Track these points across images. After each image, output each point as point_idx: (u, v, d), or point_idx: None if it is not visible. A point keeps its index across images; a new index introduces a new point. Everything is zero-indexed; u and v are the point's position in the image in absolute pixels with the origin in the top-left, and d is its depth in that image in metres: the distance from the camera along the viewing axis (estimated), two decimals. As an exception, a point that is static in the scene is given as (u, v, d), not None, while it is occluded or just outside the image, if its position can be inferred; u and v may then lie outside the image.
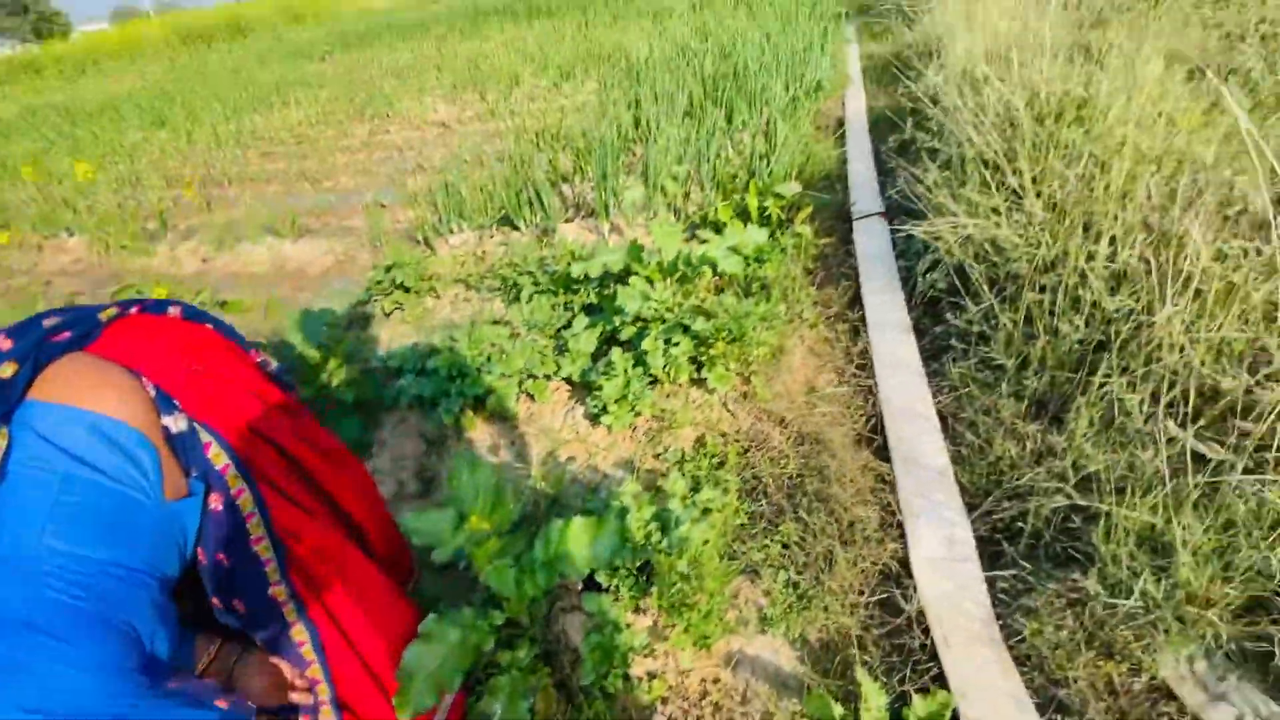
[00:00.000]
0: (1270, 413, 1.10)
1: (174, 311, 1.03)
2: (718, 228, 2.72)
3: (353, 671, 1.04)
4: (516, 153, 4.24)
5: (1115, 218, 1.53)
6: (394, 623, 1.11)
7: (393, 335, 2.67)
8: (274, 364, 1.16)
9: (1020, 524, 1.25)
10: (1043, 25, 2.68)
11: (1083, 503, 1.18)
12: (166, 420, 0.89)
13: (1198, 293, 1.28)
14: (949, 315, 1.75)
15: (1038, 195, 1.71)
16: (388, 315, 2.79)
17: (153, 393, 0.89)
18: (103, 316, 0.91)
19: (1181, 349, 1.25)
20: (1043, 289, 1.57)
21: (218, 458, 0.92)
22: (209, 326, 1.06)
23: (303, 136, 6.74)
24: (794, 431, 1.71)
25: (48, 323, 0.83)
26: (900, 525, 1.36)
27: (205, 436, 0.93)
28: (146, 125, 8.48)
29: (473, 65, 8.08)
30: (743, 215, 2.74)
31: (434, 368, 1.92)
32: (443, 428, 1.94)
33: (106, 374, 0.86)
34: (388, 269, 2.81)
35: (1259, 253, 1.29)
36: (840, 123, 3.64)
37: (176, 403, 0.91)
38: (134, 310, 0.98)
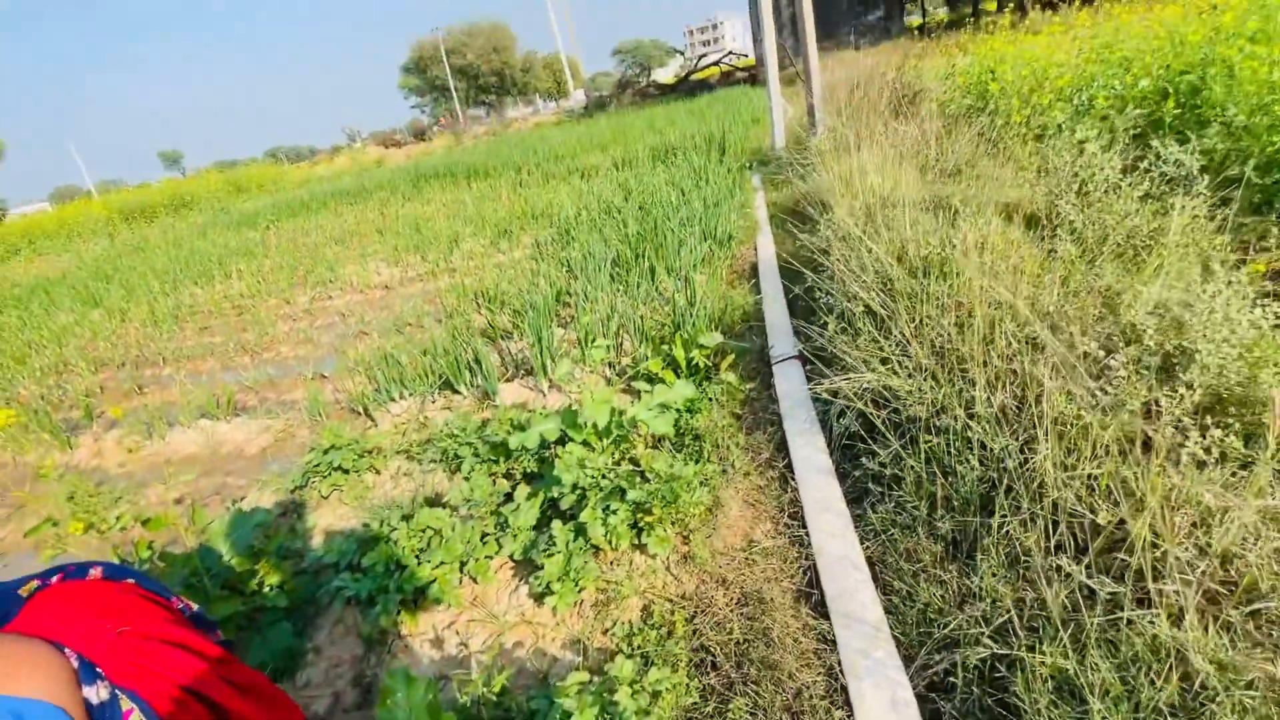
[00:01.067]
0: (1141, 544, 1.22)
1: (95, 573, 1.02)
2: (650, 379, 2.88)
3: None
4: (457, 316, 4.43)
5: (984, 363, 1.74)
6: None
7: (332, 519, 2.60)
8: (194, 607, 1.14)
9: (952, 678, 1.29)
10: (905, 183, 3.13)
11: (1001, 650, 1.24)
12: (88, 692, 0.86)
13: (1061, 433, 1.45)
14: (864, 459, 1.88)
15: (920, 344, 1.93)
16: (325, 498, 2.74)
17: (75, 664, 0.87)
18: (23, 592, 0.90)
19: (1059, 486, 1.39)
20: (937, 431, 1.72)
21: None
22: (130, 583, 1.06)
23: (243, 307, 6.83)
24: (736, 592, 1.73)
25: None
26: (845, 690, 1.37)
27: (127, 704, 0.89)
28: (79, 306, 8.42)
29: (414, 228, 8.56)
30: (672, 365, 2.92)
31: (370, 564, 1.88)
32: (381, 627, 1.86)
33: (26, 652, 0.84)
34: (325, 451, 2.80)
35: (1104, 392, 1.49)
36: (754, 268, 4.01)
37: (99, 671, 0.89)
38: (55, 579, 0.97)
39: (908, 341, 1.95)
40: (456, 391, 3.41)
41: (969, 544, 1.54)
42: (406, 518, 2.05)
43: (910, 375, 1.86)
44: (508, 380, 3.38)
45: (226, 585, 1.94)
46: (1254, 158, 2.70)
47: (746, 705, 1.40)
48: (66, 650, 0.88)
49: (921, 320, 2.00)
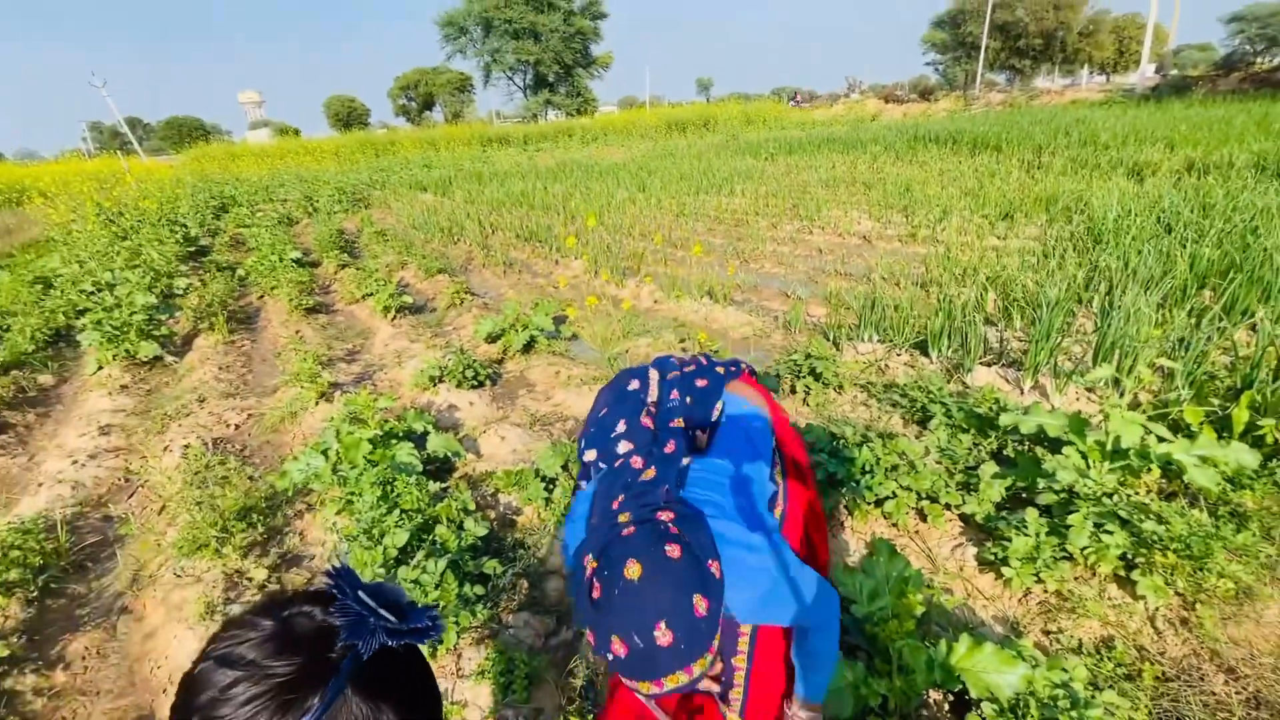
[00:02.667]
0: None
1: (748, 370, 1.54)
2: (1180, 429, 2.44)
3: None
4: (939, 284, 4.40)
5: None
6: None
7: (792, 413, 3.09)
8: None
9: None
10: None
11: None
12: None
13: None
14: None
15: None
16: (793, 392, 3.24)
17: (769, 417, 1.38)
18: (742, 365, 1.45)
19: None
20: None
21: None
22: (762, 387, 1.55)
23: (741, 221, 8.09)
24: (1249, 690, 1.47)
25: (719, 370, 1.39)
26: None
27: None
28: (631, 188, 11.20)
29: (902, 188, 8.53)
30: (1219, 425, 2.40)
31: (850, 456, 2.23)
32: (841, 504, 2.22)
33: (756, 395, 1.38)
34: (807, 356, 3.27)
35: None
36: None
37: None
38: (744, 367, 1.51)
39: None
40: (925, 354, 3.49)
41: None
42: (884, 437, 2.32)
43: None
44: (985, 364, 3.29)
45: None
46: None
47: (1234, 795, 1.25)
48: (765, 404, 1.38)
49: None
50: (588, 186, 11.54)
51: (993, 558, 1.89)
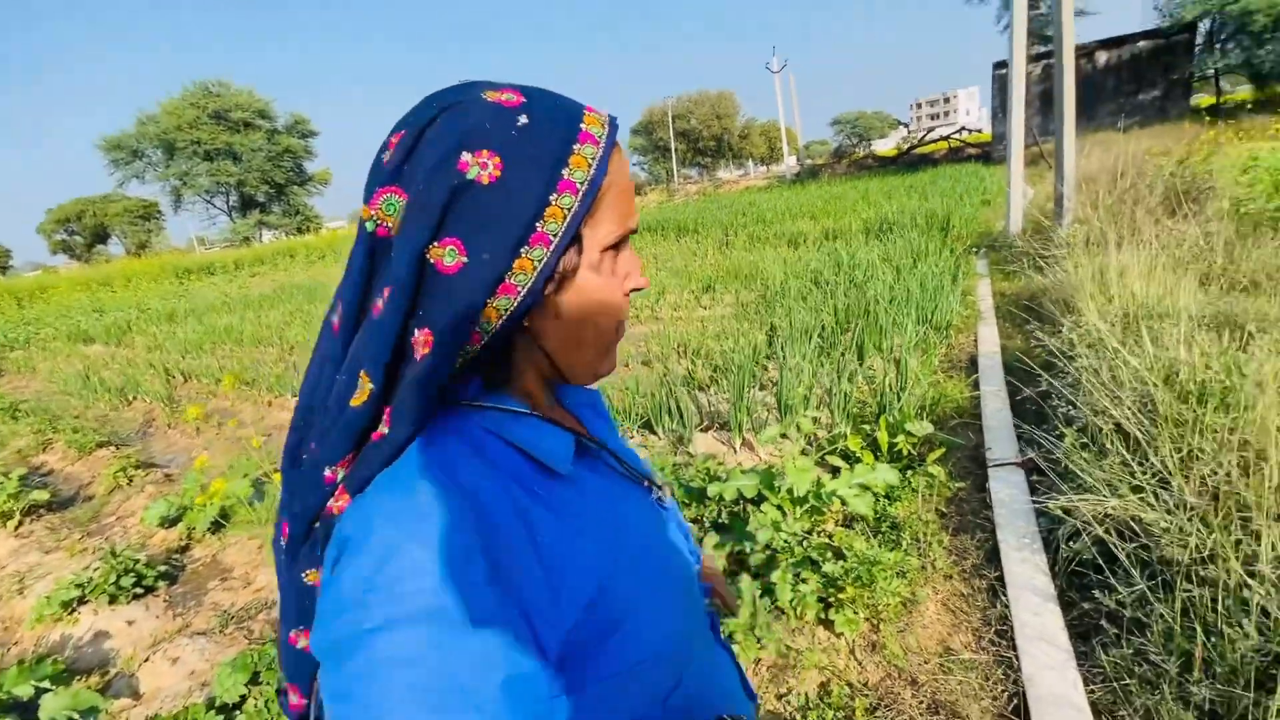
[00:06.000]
0: None
1: None
2: (848, 456, 2.87)
3: None
4: (659, 362, 4.78)
5: (1278, 517, 1.49)
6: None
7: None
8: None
9: None
10: (1180, 293, 2.78)
11: None
12: None
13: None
14: (1096, 591, 1.70)
15: (1186, 479, 1.71)
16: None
17: None
18: None
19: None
20: (1201, 581, 1.51)
21: None
22: None
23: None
24: (927, 697, 1.66)
25: None
26: (1052, 838, 1.26)
27: None
28: (363, 307, 10.47)
29: (625, 274, 9.37)
30: (873, 447, 2.87)
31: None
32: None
33: None
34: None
35: None
36: (973, 360, 3.78)
37: None
38: None
39: (1169, 473, 1.74)
40: (654, 432, 3.68)
41: (1235, 722, 1.32)
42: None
43: (1170, 511, 1.66)
44: (703, 430, 3.57)
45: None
46: None
47: (931, 817, 1.35)
48: None
49: (1191, 453, 1.77)
50: (309, 311, 10.49)
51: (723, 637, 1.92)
